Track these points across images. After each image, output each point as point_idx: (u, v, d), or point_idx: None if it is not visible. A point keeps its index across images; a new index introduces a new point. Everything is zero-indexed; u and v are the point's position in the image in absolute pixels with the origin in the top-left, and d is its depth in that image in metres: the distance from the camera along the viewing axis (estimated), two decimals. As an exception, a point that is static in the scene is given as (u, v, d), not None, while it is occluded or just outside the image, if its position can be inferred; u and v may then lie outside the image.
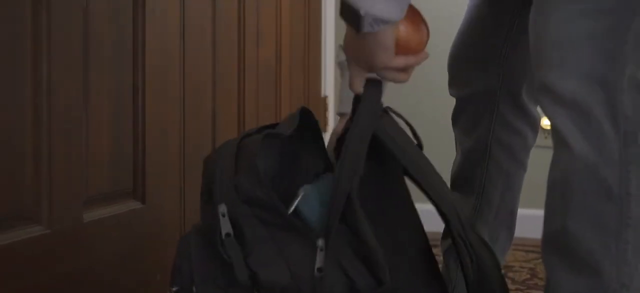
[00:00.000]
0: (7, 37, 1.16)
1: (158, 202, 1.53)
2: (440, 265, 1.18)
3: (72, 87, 1.29)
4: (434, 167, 1.14)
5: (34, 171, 1.22)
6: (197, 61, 1.69)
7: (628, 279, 1.08)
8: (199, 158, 1.17)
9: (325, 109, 2.72)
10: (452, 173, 1.53)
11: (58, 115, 1.24)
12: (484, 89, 1.45)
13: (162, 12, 1.54)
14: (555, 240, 1.12)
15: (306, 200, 1.07)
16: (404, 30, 1.12)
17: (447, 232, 1.52)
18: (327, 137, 1.27)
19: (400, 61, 1.13)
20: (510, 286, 1.98)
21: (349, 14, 1.06)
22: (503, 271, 2.11)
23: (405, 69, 1.16)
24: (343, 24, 1.12)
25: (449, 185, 1.54)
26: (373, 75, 1.16)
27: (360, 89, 1.15)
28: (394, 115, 1.16)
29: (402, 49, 1.12)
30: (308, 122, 1.13)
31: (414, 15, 1.14)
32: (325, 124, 2.64)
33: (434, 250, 1.15)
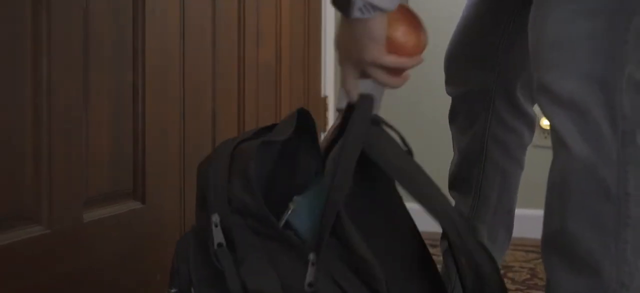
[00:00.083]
0: (7, 37, 1.16)
1: (158, 202, 1.53)
2: (439, 266, 1.18)
3: (72, 87, 1.29)
4: (427, 173, 1.13)
5: (34, 171, 1.22)
6: (197, 61, 1.69)
7: (628, 278, 1.08)
8: (199, 158, 1.17)
9: (325, 109, 2.72)
10: (450, 173, 1.54)
11: (58, 115, 1.24)
12: (480, 87, 1.45)
13: (162, 12, 1.54)
14: (555, 240, 1.12)
15: (296, 213, 1.07)
16: (401, 31, 1.11)
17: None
18: (327, 137, 1.27)
19: (392, 59, 1.12)
20: (510, 286, 1.98)
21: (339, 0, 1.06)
22: (503, 271, 2.11)
23: (398, 72, 1.15)
24: (343, 25, 1.12)
25: (447, 185, 1.55)
26: (367, 83, 1.16)
27: (351, 88, 1.15)
28: (391, 122, 1.16)
29: (397, 49, 1.10)
30: (306, 125, 1.12)
31: (413, 19, 1.14)
32: (325, 124, 2.64)
33: (434, 250, 1.15)
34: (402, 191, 1.14)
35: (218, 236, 1.05)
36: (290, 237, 1.04)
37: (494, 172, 1.47)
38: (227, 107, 1.85)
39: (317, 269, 1.00)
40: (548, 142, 1.15)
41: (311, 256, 1.01)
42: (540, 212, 1.15)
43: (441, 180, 1.55)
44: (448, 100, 1.52)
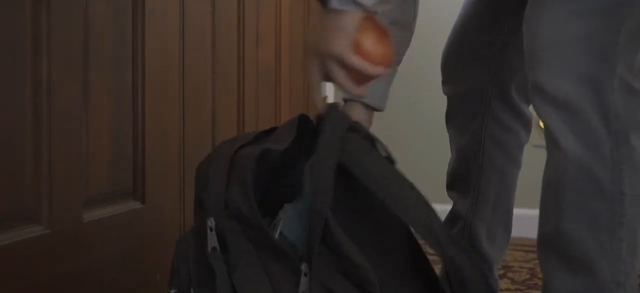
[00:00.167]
0: (7, 37, 1.16)
1: (158, 202, 1.53)
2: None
3: (72, 87, 1.29)
4: (406, 179, 1.12)
5: (34, 171, 1.22)
6: (197, 61, 1.69)
7: (623, 277, 1.08)
8: (199, 158, 1.17)
9: (324, 109, 2.71)
10: (448, 173, 1.54)
11: (58, 115, 1.24)
12: (476, 86, 1.46)
13: (162, 12, 1.54)
14: (550, 240, 1.13)
15: (287, 221, 1.07)
16: (371, 40, 1.11)
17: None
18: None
19: (355, 60, 1.11)
20: (510, 286, 1.98)
21: None
22: (502, 271, 2.11)
23: (360, 80, 1.14)
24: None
25: (445, 185, 1.55)
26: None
27: (314, 84, 1.15)
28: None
29: (363, 55, 1.11)
30: (306, 132, 1.12)
31: (384, 34, 1.14)
32: (325, 124, 2.63)
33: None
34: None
35: (213, 240, 1.05)
36: (283, 246, 1.04)
37: (492, 171, 1.47)
38: (227, 107, 1.85)
39: (309, 278, 1.01)
40: (548, 141, 1.15)
41: (303, 266, 1.01)
42: (540, 212, 1.15)
43: (441, 180, 1.56)
44: (448, 100, 1.53)
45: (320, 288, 1.01)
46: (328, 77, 1.14)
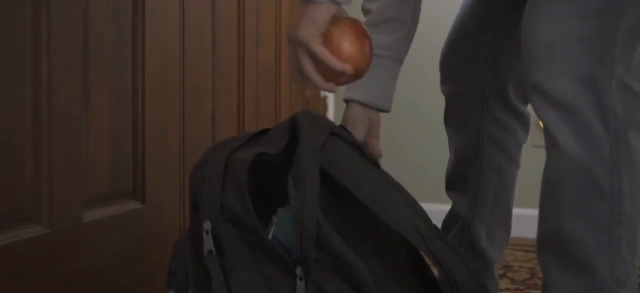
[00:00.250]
0: (7, 37, 1.16)
1: (158, 202, 1.53)
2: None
3: (72, 87, 1.29)
4: (391, 182, 1.12)
5: (34, 171, 1.22)
6: (197, 61, 1.69)
7: (623, 275, 1.09)
8: (199, 158, 1.17)
9: (325, 109, 2.72)
10: (447, 173, 1.54)
11: (58, 115, 1.24)
12: (474, 86, 1.46)
13: (162, 12, 1.54)
14: (550, 240, 1.13)
15: (280, 225, 1.07)
16: (347, 38, 1.14)
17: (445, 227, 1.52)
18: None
19: (320, 50, 1.12)
20: (510, 286, 1.98)
21: None
22: (502, 271, 2.11)
23: (327, 75, 1.15)
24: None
25: (444, 185, 1.55)
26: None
27: (289, 66, 1.17)
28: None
29: (333, 49, 1.13)
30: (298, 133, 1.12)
31: (363, 41, 1.16)
32: (325, 124, 2.63)
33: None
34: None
35: (209, 243, 1.06)
36: (278, 249, 1.04)
37: (491, 171, 1.48)
38: (227, 107, 1.85)
39: (305, 282, 1.01)
40: (548, 141, 1.16)
41: (298, 270, 1.01)
42: (540, 212, 1.15)
43: (441, 180, 1.56)
44: (448, 100, 1.53)
45: (316, 290, 1.01)
46: (299, 69, 1.16)
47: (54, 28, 1.23)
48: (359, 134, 1.29)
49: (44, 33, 1.22)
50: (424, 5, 1.39)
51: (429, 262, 1.10)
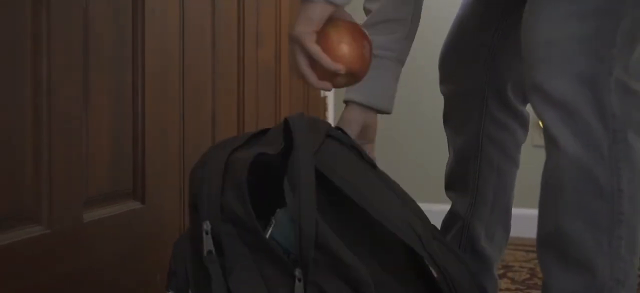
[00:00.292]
0: (7, 37, 1.16)
1: (158, 202, 1.53)
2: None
3: (72, 87, 1.29)
4: (388, 183, 1.12)
5: (34, 171, 1.22)
6: (197, 61, 1.69)
7: (623, 275, 1.09)
8: (199, 158, 1.17)
9: (324, 109, 2.72)
10: (446, 174, 1.54)
11: (58, 115, 1.24)
12: (473, 86, 1.46)
13: (162, 12, 1.54)
14: (550, 239, 1.13)
15: (279, 226, 1.07)
16: (341, 36, 1.15)
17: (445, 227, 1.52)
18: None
19: (313, 48, 1.14)
20: (510, 286, 1.98)
21: None
22: (502, 271, 2.11)
23: (321, 74, 1.16)
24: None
25: (444, 185, 1.55)
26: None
27: (290, 64, 1.16)
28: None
29: (327, 47, 1.14)
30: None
31: (362, 44, 1.17)
32: (325, 124, 2.63)
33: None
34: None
35: (208, 243, 1.05)
36: (277, 250, 1.04)
37: (490, 171, 1.48)
38: (227, 107, 1.85)
39: (304, 283, 1.01)
40: (548, 141, 1.16)
41: (297, 272, 1.01)
42: (540, 212, 1.15)
43: (441, 180, 1.56)
44: (448, 100, 1.53)
45: (315, 291, 1.01)
46: (296, 65, 1.18)
47: (54, 28, 1.23)
48: (351, 136, 1.29)
49: (44, 33, 1.22)
50: (424, 5, 1.39)
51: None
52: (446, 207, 1.53)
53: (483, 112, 1.46)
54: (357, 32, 1.18)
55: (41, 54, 1.22)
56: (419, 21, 1.38)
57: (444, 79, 1.51)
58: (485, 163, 1.47)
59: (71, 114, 1.29)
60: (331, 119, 2.74)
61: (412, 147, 2.71)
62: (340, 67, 1.14)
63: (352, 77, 1.18)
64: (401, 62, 1.37)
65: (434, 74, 1.54)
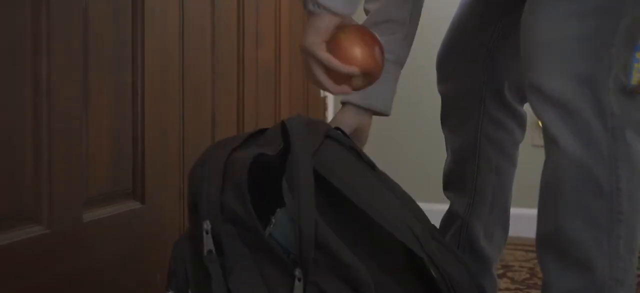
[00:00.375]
0: (7, 37, 1.16)
1: (158, 202, 1.53)
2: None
3: (72, 87, 1.29)
4: (387, 184, 1.12)
5: (34, 171, 1.22)
6: (197, 61, 1.69)
7: (622, 274, 1.09)
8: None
9: (324, 109, 2.72)
10: (444, 174, 1.54)
11: (58, 115, 1.25)
12: (471, 85, 1.47)
13: (162, 12, 1.54)
14: (549, 239, 1.13)
15: (279, 226, 1.07)
16: (350, 40, 1.18)
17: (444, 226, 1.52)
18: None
19: (325, 56, 1.16)
20: (510, 285, 1.98)
21: None
22: (502, 270, 2.11)
23: (338, 79, 1.17)
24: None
25: (442, 185, 1.55)
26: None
27: (306, 75, 1.21)
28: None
29: (338, 51, 1.16)
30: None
31: (368, 38, 1.19)
32: (325, 124, 2.64)
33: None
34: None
35: (208, 243, 1.05)
36: (277, 250, 1.04)
37: (488, 170, 1.48)
38: (227, 107, 1.85)
39: (304, 283, 1.01)
40: (547, 141, 1.16)
41: (297, 272, 1.01)
42: (540, 212, 1.15)
43: (440, 180, 1.56)
44: (448, 100, 1.53)
45: (315, 291, 1.01)
46: (313, 75, 1.19)
47: (54, 28, 1.23)
48: None
49: (44, 33, 1.22)
50: (424, 5, 1.39)
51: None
52: (446, 206, 1.53)
53: (481, 111, 1.46)
54: (366, 35, 1.20)
55: (41, 54, 1.22)
56: (418, 22, 1.38)
57: (442, 79, 1.51)
58: (483, 163, 1.47)
59: (71, 114, 1.29)
60: (331, 118, 2.74)
61: (412, 147, 2.71)
62: (353, 69, 1.16)
63: (368, 78, 1.20)
64: (400, 64, 1.37)
65: (434, 74, 1.54)
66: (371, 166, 1.15)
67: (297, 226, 1.01)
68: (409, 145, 2.72)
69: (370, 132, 1.40)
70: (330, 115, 2.78)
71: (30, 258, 1.21)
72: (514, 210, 1.54)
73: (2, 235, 1.16)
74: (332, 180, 1.05)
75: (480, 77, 1.45)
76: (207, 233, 1.06)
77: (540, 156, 1.16)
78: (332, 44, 1.17)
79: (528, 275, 2.09)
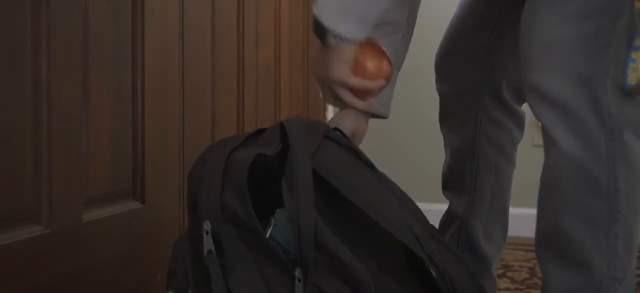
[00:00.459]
0: (7, 37, 1.16)
1: (158, 202, 1.53)
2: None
3: (72, 87, 1.29)
4: (386, 183, 1.12)
5: (34, 171, 1.22)
6: (197, 61, 1.69)
7: (620, 273, 1.09)
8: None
9: (324, 109, 2.72)
10: (443, 174, 1.55)
11: (58, 115, 1.25)
12: (470, 85, 1.47)
13: (162, 12, 1.54)
14: (548, 238, 1.14)
15: (278, 226, 1.07)
16: (368, 56, 1.24)
17: (443, 226, 1.52)
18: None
19: (356, 81, 1.22)
20: (510, 285, 1.98)
21: (318, 29, 1.19)
22: (502, 270, 2.11)
23: (363, 95, 1.25)
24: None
25: (441, 185, 1.55)
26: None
27: (328, 101, 1.29)
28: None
29: (362, 71, 1.23)
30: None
31: (379, 51, 1.26)
32: (325, 124, 2.64)
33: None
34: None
35: (208, 243, 1.06)
36: (277, 250, 1.04)
37: (487, 170, 1.48)
38: (227, 107, 1.85)
39: (304, 283, 1.01)
40: (547, 141, 1.16)
41: (297, 272, 1.01)
42: (539, 212, 1.15)
43: (440, 180, 1.56)
44: (448, 100, 1.53)
45: (315, 291, 1.01)
46: (338, 98, 1.26)
47: (54, 28, 1.24)
48: None
49: (44, 33, 1.22)
50: (423, 6, 1.39)
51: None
52: (445, 207, 1.54)
53: (480, 111, 1.46)
54: (374, 45, 1.26)
55: (41, 54, 1.22)
56: (414, 25, 1.38)
57: (441, 79, 1.52)
58: (482, 163, 1.48)
59: (71, 114, 1.29)
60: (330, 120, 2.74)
61: (412, 147, 2.71)
62: (382, 83, 1.25)
63: (386, 83, 1.28)
64: (398, 66, 1.37)
65: (434, 74, 1.54)
66: (370, 166, 1.15)
67: (297, 226, 1.01)
68: (408, 145, 2.72)
69: (370, 132, 1.40)
70: (330, 116, 2.78)
71: (30, 258, 1.21)
72: (513, 210, 1.54)
73: (2, 235, 1.16)
74: (331, 180, 1.06)
75: (479, 77, 1.46)
76: (207, 233, 1.06)
77: (539, 156, 1.16)
78: (355, 65, 1.23)
79: (528, 275, 2.09)
